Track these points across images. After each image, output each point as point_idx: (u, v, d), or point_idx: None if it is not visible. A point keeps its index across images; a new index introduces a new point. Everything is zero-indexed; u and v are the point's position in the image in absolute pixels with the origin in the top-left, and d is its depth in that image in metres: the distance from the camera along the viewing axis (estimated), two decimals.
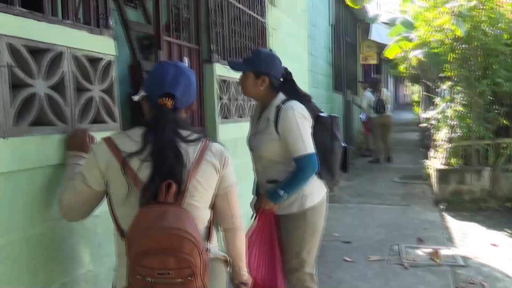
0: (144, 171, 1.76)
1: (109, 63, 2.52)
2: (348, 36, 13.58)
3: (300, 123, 2.71)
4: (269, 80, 2.83)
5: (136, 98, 1.94)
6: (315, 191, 2.90)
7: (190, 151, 1.83)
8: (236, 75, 4.38)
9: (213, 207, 1.98)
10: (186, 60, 3.62)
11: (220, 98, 4.14)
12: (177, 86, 1.87)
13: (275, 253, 2.92)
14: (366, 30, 15.56)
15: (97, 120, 2.44)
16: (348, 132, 12.63)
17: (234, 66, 3.04)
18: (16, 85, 1.96)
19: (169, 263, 1.62)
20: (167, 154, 1.76)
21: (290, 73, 2.92)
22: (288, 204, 2.85)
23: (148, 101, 1.92)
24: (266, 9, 5.48)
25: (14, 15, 1.93)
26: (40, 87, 2.06)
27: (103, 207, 2.39)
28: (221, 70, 4.10)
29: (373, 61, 16.80)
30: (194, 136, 1.87)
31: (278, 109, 2.76)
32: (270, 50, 2.99)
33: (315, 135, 2.82)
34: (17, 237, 1.92)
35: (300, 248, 2.90)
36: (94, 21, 2.45)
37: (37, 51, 2.07)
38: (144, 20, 5.37)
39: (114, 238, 1.96)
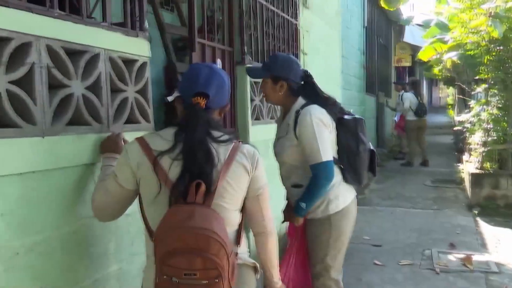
0: (174, 170, 1.76)
1: (143, 65, 2.56)
2: (382, 38, 13.46)
3: (317, 129, 2.64)
4: (288, 85, 2.79)
5: (170, 98, 1.96)
6: (340, 195, 2.83)
7: (220, 152, 1.82)
8: None
9: (243, 210, 1.96)
10: (218, 61, 3.65)
11: (252, 100, 4.16)
12: (210, 86, 1.88)
13: (306, 260, 2.90)
14: (400, 32, 15.42)
15: (131, 120, 2.48)
16: (380, 134, 12.51)
17: (251, 73, 3.02)
18: (53, 86, 2.01)
19: (195, 263, 1.61)
20: (198, 153, 1.75)
21: (311, 76, 2.87)
22: (313, 209, 2.79)
23: (181, 101, 1.93)
24: (298, 11, 5.48)
25: (53, 17, 1.98)
26: (77, 87, 2.11)
27: (136, 206, 2.46)
28: None
29: (407, 63, 16.62)
30: (226, 137, 1.86)
31: (297, 114, 2.72)
32: (288, 54, 2.97)
33: (340, 138, 2.78)
34: (52, 234, 1.97)
35: (324, 253, 2.84)
36: (129, 24, 2.50)
37: (74, 53, 2.13)
38: (179, 22, 5.44)
39: (144, 239, 1.98)
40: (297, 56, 5.42)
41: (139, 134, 2.47)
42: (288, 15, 5.14)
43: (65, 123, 2.05)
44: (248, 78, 4.01)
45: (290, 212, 2.80)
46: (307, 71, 2.88)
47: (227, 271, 1.65)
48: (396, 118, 12.01)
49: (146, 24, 2.61)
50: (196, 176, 1.72)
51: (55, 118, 2.01)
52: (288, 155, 2.79)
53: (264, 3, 4.46)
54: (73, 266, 2.08)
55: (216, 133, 1.85)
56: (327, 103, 2.79)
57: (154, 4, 4.87)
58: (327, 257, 2.84)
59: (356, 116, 2.90)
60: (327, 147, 2.66)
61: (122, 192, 1.91)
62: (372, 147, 2.97)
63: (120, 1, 2.51)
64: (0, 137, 1.75)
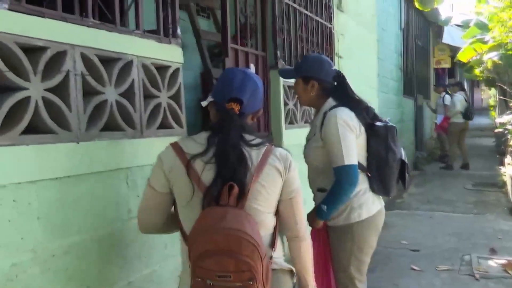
0: (207, 173, 1.76)
1: (176, 71, 2.61)
2: (420, 40, 13.25)
3: (341, 132, 2.54)
4: (319, 85, 2.73)
5: (204, 103, 1.98)
6: (364, 205, 2.69)
7: (253, 155, 1.82)
8: None
9: (277, 213, 1.94)
10: (251, 66, 3.67)
11: (286, 104, 4.17)
12: (244, 92, 1.89)
13: (328, 266, 2.82)
14: (439, 33, 15.15)
15: (164, 125, 2.53)
16: (419, 137, 12.31)
17: (283, 74, 3.00)
18: (88, 93, 2.07)
19: (228, 265, 1.60)
20: (230, 157, 1.76)
21: (343, 76, 2.79)
22: (335, 216, 2.69)
23: (215, 106, 1.95)
24: (333, 15, 5.46)
25: (87, 26, 2.04)
26: (110, 94, 2.16)
27: None
28: None
29: (446, 64, 16.31)
30: (258, 140, 1.87)
31: (325, 115, 2.64)
32: (319, 53, 2.92)
33: (370, 146, 2.68)
34: (88, 237, 2.02)
35: (347, 263, 2.73)
36: (162, 31, 2.55)
37: (108, 60, 2.18)
38: (215, 29, 5.50)
39: (179, 243, 2.00)
40: (331, 59, 5.40)
41: (173, 139, 2.53)
42: (322, 19, 5.13)
43: (99, 129, 2.10)
44: (281, 82, 4.02)
45: (313, 215, 2.72)
46: (339, 72, 2.80)
47: (261, 274, 1.64)
48: (438, 120, 11.80)
49: (179, 31, 2.66)
50: (229, 179, 1.73)
51: (89, 124, 2.06)
52: (313, 156, 2.73)
53: (298, 7, 4.47)
54: (107, 268, 2.13)
55: (248, 137, 1.86)
56: (358, 106, 2.70)
57: (190, 11, 4.95)
58: (351, 268, 2.73)
59: (388, 123, 2.77)
60: (351, 150, 2.56)
61: (157, 197, 1.90)
62: (404, 158, 2.83)
63: (153, 8, 2.56)
64: (38, 143, 1.81)
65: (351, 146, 2.56)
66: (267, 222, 1.87)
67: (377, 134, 2.69)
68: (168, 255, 2.52)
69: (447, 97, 11.25)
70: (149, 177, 1.93)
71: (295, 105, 4.32)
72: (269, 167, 1.83)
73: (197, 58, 5.01)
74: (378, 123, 2.72)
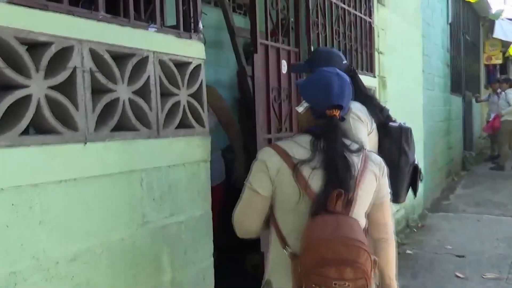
0: (314, 179, 1.78)
1: (197, 67, 2.48)
2: (469, 34, 12.74)
3: (353, 124, 2.43)
4: None
5: (301, 109, 1.94)
6: None
7: (356, 161, 1.85)
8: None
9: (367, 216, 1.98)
10: (283, 63, 3.51)
11: None
12: (344, 97, 1.89)
13: None
14: (490, 27, 14.54)
15: (184, 125, 2.40)
16: (467, 136, 11.84)
17: (294, 69, 2.91)
18: (99, 91, 1.96)
19: (346, 273, 1.63)
20: (339, 164, 1.79)
21: (354, 71, 2.67)
22: None
23: (314, 113, 1.91)
24: (373, 9, 5.22)
25: (97, 20, 1.94)
26: (123, 91, 2.05)
27: (189, 212, 2.38)
28: None
29: (498, 60, 15.64)
30: (356, 146, 1.91)
31: None
32: (331, 47, 2.75)
33: (382, 146, 2.56)
34: (97, 242, 1.92)
35: None
36: (183, 25, 2.42)
37: (121, 56, 2.07)
38: (276, 31, 5.35)
39: (271, 248, 1.93)
40: (371, 56, 5.17)
41: (193, 139, 2.42)
42: (361, 13, 4.91)
43: (110, 129, 1.99)
44: None
45: None
46: (351, 66, 2.71)
47: (371, 279, 1.69)
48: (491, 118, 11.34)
49: (201, 25, 2.53)
50: (337, 186, 1.75)
51: (99, 124, 1.96)
52: None
53: (334, 0, 4.27)
54: (119, 276, 2.02)
55: (348, 142, 1.89)
56: (370, 102, 2.59)
57: (225, 8, 4.83)
58: None
59: (404, 125, 2.64)
60: (363, 140, 2.42)
61: (259, 200, 1.87)
62: (417, 163, 2.68)
63: (173, 2, 2.43)
64: (40, 144, 1.71)
65: (363, 139, 2.44)
66: (362, 225, 1.90)
67: (390, 135, 2.58)
68: (188, 261, 2.40)
69: (504, 93, 10.82)
70: (249, 180, 1.88)
71: None
72: (369, 172, 1.88)
73: (234, 56, 4.90)
74: (393, 124, 2.60)
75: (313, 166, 1.79)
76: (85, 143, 1.87)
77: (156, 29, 2.23)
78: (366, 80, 4.85)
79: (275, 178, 1.82)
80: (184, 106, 2.38)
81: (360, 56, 4.91)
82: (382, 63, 5.46)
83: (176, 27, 2.40)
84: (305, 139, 1.86)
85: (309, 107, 1.93)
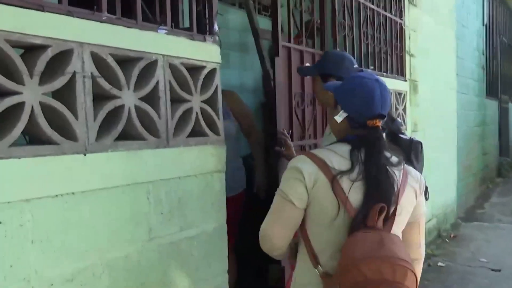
0: (354, 193, 1.64)
1: (212, 71, 2.32)
2: (505, 36, 12.30)
3: None
4: None
5: (339, 118, 1.75)
6: None
7: (397, 175, 1.72)
8: None
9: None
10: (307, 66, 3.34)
11: None
12: (386, 106, 1.75)
13: None
14: None
15: (197, 133, 2.25)
16: (503, 142, 11.42)
17: (302, 72, 2.76)
18: (101, 97, 1.83)
19: None
20: (382, 178, 1.67)
21: None
22: None
23: (354, 123, 1.75)
24: (404, 9, 5.00)
25: (100, 22, 1.80)
26: (128, 98, 1.91)
27: (201, 227, 2.23)
28: None
29: None
30: (396, 159, 1.77)
31: None
32: (341, 51, 2.59)
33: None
34: (97, 261, 1.78)
35: None
36: (196, 27, 2.28)
37: (127, 60, 1.93)
38: (299, 33, 5.20)
39: (298, 266, 1.81)
40: (402, 59, 4.95)
41: (207, 148, 2.26)
42: (391, 14, 4.70)
43: (114, 139, 1.85)
44: None
45: None
46: (362, 70, 2.55)
47: None
48: None
49: (216, 27, 2.37)
50: (378, 201, 1.63)
51: (102, 133, 1.82)
52: None
53: (362, 1, 4.07)
54: None
55: (387, 154, 1.75)
56: None
57: (249, 10, 4.68)
58: None
59: (415, 138, 2.44)
60: None
61: (293, 212, 1.70)
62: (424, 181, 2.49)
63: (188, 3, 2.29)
64: (32, 155, 1.58)
65: None
66: None
67: (399, 147, 2.36)
68: (200, 278, 2.24)
69: None
70: (281, 189, 1.72)
71: None
72: (409, 188, 1.76)
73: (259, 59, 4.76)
74: (403, 136, 2.42)
75: (353, 178, 1.65)
76: (85, 154, 1.73)
77: (166, 31, 2.09)
78: (396, 84, 4.64)
79: (311, 190, 1.66)
80: (197, 113, 2.23)
81: (390, 59, 4.70)
82: (413, 66, 5.24)
83: (189, 29, 2.25)
84: (344, 149, 1.70)
85: (347, 116, 1.75)
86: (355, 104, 1.73)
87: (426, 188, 2.45)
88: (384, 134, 2.38)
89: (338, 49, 3.64)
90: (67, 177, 1.67)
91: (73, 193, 1.69)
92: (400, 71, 4.91)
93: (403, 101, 4.89)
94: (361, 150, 1.69)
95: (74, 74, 1.70)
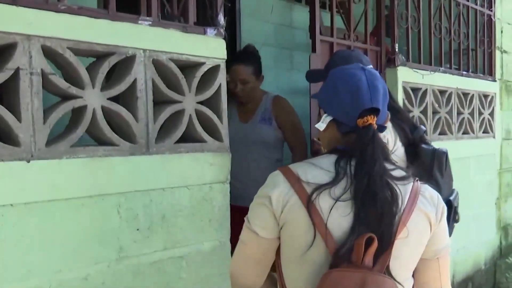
0: (336, 215, 1.24)
1: (213, 69, 2.04)
2: None
3: None
4: None
5: (321, 126, 1.37)
6: None
7: (401, 193, 1.28)
8: (436, 82, 3.51)
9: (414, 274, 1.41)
10: None
11: (409, 111, 3.31)
12: (378, 96, 1.33)
13: None
14: None
15: (191, 138, 1.99)
16: None
17: (311, 77, 2.31)
18: (59, 97, 1.63)
19: None
20: (379, 195, 1.23)
21: None
22: None
23: (340, 128, 1.35)
24: None
25: (55, 11, 1.60)
26: (94, 98, 1.68)
27: (194, 245, 1.97)
28: (410, 76, 3.28)
29: None
30: (402, 172, 1.33)
31: None
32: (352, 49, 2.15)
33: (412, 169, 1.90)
34: (44, 282, 1.57)
35: None
36: (195, 18, 2.02)
37: (101, 56, 1.72)
38: (345, 25, 4.80)
39: None
40: (491, 55, 4.32)
41: (203, 155, 2.00)
42: (476, 3, 4.11)
43: (71, 144, 1.64)
44: (400, 82, 3.20)
45: None
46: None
47: None
48: None
49: (220, 18, 2.09)
50: (369, 228, 1.22)
51: (59, 137, 1.63)
52: None
53: None
54: None
55: (388, 165, 1.31)
56: (395, 115, 1.98)
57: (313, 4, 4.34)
58: None
59: (439, 148, 1.98)
60: None
61: (261, 245, 1.36)
62: (453, 198, 1.98)
63: None
64: None
65: None
66: None
67: (421, 159, 1.95)
68: None
69: None
70: (247, 218, 1.37)
71: (423, 112, 3.43)
72: (418, 213, 1.30)
73: None
74: (425, 146, 1.98)
75: (336, 196, 1.24)
76: (29, 161, 1.53)
77: (150, 23, 1.84)
78: (481, 85, 4.06)
79: (280, 215, 1.29)
80: (190, 115, 1.96)
81: (474, 56, 4.11)
82: (506, 64, 4.59)
83: (185, 20, 2.00)
84: (328, 161, 1.31)
85: (333, 120, 1.35)
86: (339, 102, 1.34)
87: (455, 208, 2.01)
88: (401, 147, 1.99)
89: (397, 45, 3.19)
90: (10, 186, 1.48)
91: (11, 204, 1.49)
92: (488, 70, 4.30)
93: (490, 105, 4.27)
94: (351, 159, 1.28)
95: (17, 70, 1.51)
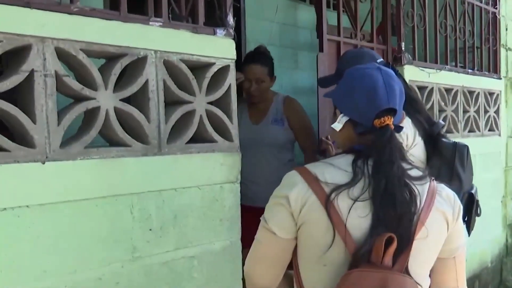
0: (355, 215, 1.25)
1: (223, 69, 2.05)
2: None
3: None
4: None
5: (338, 126, 1.38)
6: None
7: (419, 193, 1.29)
8: (442, 80, 3.52)
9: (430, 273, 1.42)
10: None
11: None
12: (394, 96, 1.33)
13: None
14: None
15: (202, 138, 2.00)
16: None
17: (324, 83, 2.25)
18: (73, 98, 1.64)
19: None
20: (397, 196, 1.25)
21: (396, 70, 1.95)
22: None
23: (357, 128, 1.37)
24: None
25: (68, 13, 1.60)
26: (106, 99, 1.70)
27: (206, 245, 1.97)
28: (416, 74, 3.28)
29: None
30: (418, 172, 1.34)
31: None
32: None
33: (430, 166, 1.90)
34: (59, 283, 1.58)
35: None
36: (205, 19, 2.03)
37: (113, 58, 1.73)
38: (351, 24, 4.81)
39: None
40: (495, 53, 4.33)
41: (214, 156, 2.00)
42: (481, 1, 4.11)
43: (85, 145, 1.65)
44: (407, 82, 3.20)
45: None
46: (389, 64, 2.04)
47: None
48: None
49: (230, 19, 2.10)
50: (388, 228, 1.22)
51: (72, 139, 1.64)
52: None
53: None
54: None
55: (405, 165, 1.33)
56: (412, 108, 1.95)
57: (320, 4, 4.35)
58: None
59: (460, 142, 1.96)
60: None
61: (278, 245, 1.35)
62: (474, 191, 1.98)
63: None
64: None
65: None
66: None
67: (442, 153, 1.92)
68: None
69: None
70: (264, 217, 1.36)
71: (436, 111, 3.44)
72: (436, 212, 1.32)
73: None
74: (446, 140, 1.97)
75: (355, 196, 1.25)
76: (44, 162, 1.54)
77: (161, 24, 1.85)
78: (486, 82, 4.06)
79: (299, 215, 1.29)
80: (201, 116, 1.97)
81: (480, 53, 4.11)
82: (511, 61, 4.59)
83: (194, 21, 2.01)
84: (345, 161, 1.31)
85: (349, 120, 1.36)
86: (355, 102, 1.34)
87: (477, 201, 2.02)
88: (420, 141, 1.98)
89: (403, 43, 3.20)
90: (20, 188, 1.49)
91: (27, 206, 1.50)
92: (493, 68, 4.30)
93: (495, 102, 4.27)
94: (368, 159, 1.29)
95: (32, 72, 1.52)
